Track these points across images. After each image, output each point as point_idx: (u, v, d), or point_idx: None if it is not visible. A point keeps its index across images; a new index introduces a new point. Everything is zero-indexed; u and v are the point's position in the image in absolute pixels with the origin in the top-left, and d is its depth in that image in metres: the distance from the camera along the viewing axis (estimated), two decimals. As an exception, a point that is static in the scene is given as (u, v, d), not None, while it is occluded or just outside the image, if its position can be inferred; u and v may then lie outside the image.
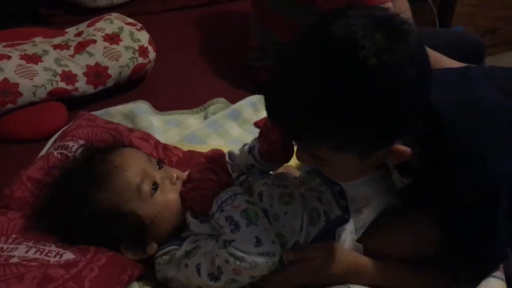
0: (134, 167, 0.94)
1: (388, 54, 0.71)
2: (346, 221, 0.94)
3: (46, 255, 0.89)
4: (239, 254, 0.84)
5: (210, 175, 0.94)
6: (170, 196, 0.95)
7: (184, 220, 0.95)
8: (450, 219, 0.89)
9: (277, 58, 0.82)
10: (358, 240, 0.97)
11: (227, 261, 0.84)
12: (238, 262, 0.84)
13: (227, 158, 1.04)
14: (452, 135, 0.86)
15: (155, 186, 0.94)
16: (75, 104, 1.43)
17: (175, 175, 0.97)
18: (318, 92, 0.74)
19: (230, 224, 0.85)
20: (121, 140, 1.07)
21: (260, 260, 0.84)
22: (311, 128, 0.77)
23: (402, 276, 0.94)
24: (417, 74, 0.74)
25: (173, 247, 0.94)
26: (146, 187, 0.93)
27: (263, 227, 0.86)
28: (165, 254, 0.94)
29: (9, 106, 1.33)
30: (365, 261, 0.94)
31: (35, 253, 0.89)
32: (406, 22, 0.76)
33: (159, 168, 0.98)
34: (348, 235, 0.95)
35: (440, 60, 1.38)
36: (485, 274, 0.92)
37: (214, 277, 0.87)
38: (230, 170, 1.01)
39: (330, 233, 0.94)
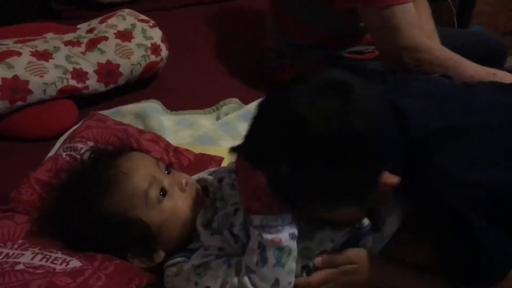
0: (142, 172, 0.92)
1: (336, 119, 0.75)
2: (373, 231, 0.93)
3: (52, 262, 0.87)
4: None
5: None
6: (179, 203, 0.93)
7: (194, 228, 0.93)
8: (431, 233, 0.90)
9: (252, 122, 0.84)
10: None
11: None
12: None
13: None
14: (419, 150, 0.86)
15: (163, 192, 0.92)
16: (86, 102, 1.42)
17: (184, 181, 0.95)
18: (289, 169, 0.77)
19: (259, 254, 0.83)
20: (129, 143, 1.05)
21: None
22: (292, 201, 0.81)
23: (429, 284, 0.93)
24: (374, 122, 0.77)
25: (181, 259, 0.92)
26: (154, 193, 0.91)
27: (288, 269, 0.84)
28: (173, 265, 0.92)
29: (19, 103, 1.32)
30: (393, 268, 0.93)
31: (41, 260, 0.87)
32: (347, 81, 0.79)
33: (168, 173, 0.96)
34: (372, 247, 0.94)
35: (462, 63, 1.34)
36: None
37: None
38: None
39: (354, 243, 0.93)
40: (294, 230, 0.85)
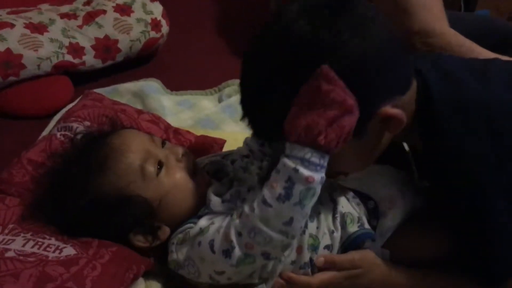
0: (135, 147, 0.88)
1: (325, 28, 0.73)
2: (372, 239, 0.90)
3: (44, 249, 0.82)
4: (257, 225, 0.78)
5: None
6: (177, 174, 0.88)
7: (199, 202, 0.89)
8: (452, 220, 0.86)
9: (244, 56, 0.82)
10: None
11: (240, 234, 0.79)
12: (252, 234, 0.78)
13: (244, 145, 0.99)
14: (446, 139, 0.82)
15: (160, 165, 0.88)
16: (82, 79, 1.38)
17: (180, 152, 0.91)
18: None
19: (285, 189, 0.77)
20: (120, 122, 1.02)
21: (277, 236, 0.78)
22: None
23: (435, 283, 0.90)
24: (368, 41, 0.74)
25: (188, 225, 0.87)
26: (151, 167, 0.87)
27: (305, 213, 0.78)
28: (180, 233, 0.88)
29: (12, 79, 1.28)
30: (398, 271, 0.89)
31: (33, 246, 0.82)
32: None
33: (163, 146, 0.92)
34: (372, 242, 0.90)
35: (474, 50, 1.29)
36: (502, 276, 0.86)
37: (227, 253, 0.80)
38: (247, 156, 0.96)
39: (358, 242, 0.89)
40: (324, 175, 0.78)
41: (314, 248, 0.87)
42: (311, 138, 0.75)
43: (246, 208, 0.79)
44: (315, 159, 0.76)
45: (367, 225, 0.90)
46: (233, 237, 0.79)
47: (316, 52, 0.74)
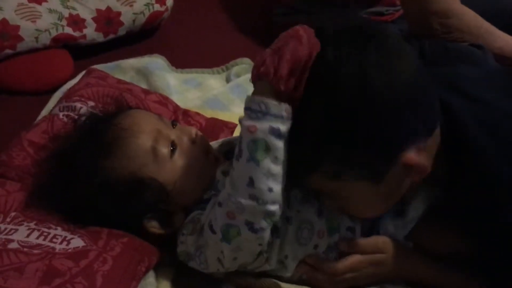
0: (145, 127, 0.84)
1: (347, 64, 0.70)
2: (394, 213, 0.86)
3: (51, 240, 0.77)
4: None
5: None
6: (192, 155, 0.84)
7: (208, 183, 0.85)
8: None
9: None
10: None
11: (220, 204, 0.75)
12: (228, 202, 0.74)
13: None
14: (481, 164, 0.78)
15: (174, 146, 0.83)
16: (82, 52, 1.31)
17: (193, 132, 0.86)
18: None
19: (238, 145, 0.72)
20: (125, 102, 0.97)
21: (246, 202, 0.72)
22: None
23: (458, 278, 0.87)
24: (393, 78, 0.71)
25: (197, 211, 0.83)
26: (164, 148, 0.82)
27: (266, 170, 0.72)
28: (189, 222, 0.83)
29: (8, 51, 1.22)
30: (422, 261, 0.87)
31: (38, 237, 0.77)
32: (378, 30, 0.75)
33: (174, 127, 0.87)
34: (395, 231, 0.87)
35: (493, 33, 1.25)
36: None
37: (211, 228, 0.77)
38: None
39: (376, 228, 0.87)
40: (280, 126, 0.71)
41: (334, 230, 0.84)
42: (254, 72, 0.72)
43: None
44: (254, 105, 0.70)
45: None
46: (216, 208, 0.75)
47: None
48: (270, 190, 0.72)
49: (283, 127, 0.71)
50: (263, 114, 0.70)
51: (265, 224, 0.75)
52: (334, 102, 0.70)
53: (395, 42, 0.74)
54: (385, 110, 0.71)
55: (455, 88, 0.82)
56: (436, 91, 0.78)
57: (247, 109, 0.72)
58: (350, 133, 0.71)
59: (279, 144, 0.71)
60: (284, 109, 0.71)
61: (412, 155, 0.74)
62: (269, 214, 0.74)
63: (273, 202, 0.73)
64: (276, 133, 0.71)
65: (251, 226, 0.74)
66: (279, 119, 0.71)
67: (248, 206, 0.72)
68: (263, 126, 0.70)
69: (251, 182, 0.71)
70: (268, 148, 0.71)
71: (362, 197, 0.79)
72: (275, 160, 0.72)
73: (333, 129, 0.71)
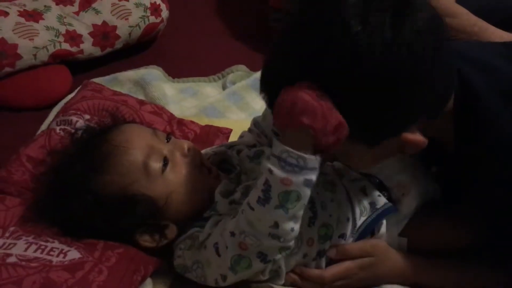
0: (137, 143, 0.85)
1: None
2: (392, 210, 0.87)
3: (48, 253, 0.79)
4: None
5: None
6: (183, 170, 0.85)
7: (206, 197, 0.86)
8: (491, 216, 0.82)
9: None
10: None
11: (233, 234, 0.76)
12: (243, 236, 0.74)
13: (252, 126, 0.97)
14: (494, 129, 0.77)
15: (166, 162, 0.85)
16: (80, 68, 1.34)
17: (186, 146, 0.87)
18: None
19: (263, 192, 0.72)
20: (121, 115, 0.98)
21: (267, 240, 0.74)
22: None
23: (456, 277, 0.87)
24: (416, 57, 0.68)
25: (196, 229, 0.84)
26: (156, 164, 0.83)
27: (292, 215, 0.73)
28: (187, 238, 0.85)
29: (7, 69, 1.24)
30: (413, 261, 0.87)
31: (35, 251, 0.79)
32: None
33: (168, 141, 0.89)
34: (388, 228, 0.88)
35: (487, 29, 1.25)
36: None
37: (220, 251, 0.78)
38: (256, 140, 0.94)
39: (370, 226, 0.87)
40: (313, 177, 0.72)
41: (327, 238, 0.84)
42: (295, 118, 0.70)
43: (241, 208, 0.75)
44: (291, 159, 0.70)
45: (380, 199, 0.88)
46: (227, 237, 0.76)
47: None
48: (292, 230, 0.74)
49: (315, 177, 0.72)
50: (301, 169, 0.70)
51: (279, 256, 0.77)
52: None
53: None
54: (396, 85, 0.69)
55: (463, 56, 0.80)
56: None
57: (281, 160, 0.70)
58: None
59: (309, 192, 0.73)
60: (318, 161, 0.71)
61: (410, 134, 0.73)
62: (286, 248, 0.76)
63: (293, 239, 0.75)
64: (309, 184, 0.72)
65: (263, 258, 0.76)
66: (314, 171, 0.71)
67: (268, 244, 0.74)
68: (298, 180, 0.71)
69: (276, 225, 0.73)
70: (299, 198, 0.72)
71: (357, 156, 0.78)
72: (302, 206, 0.73)
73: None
